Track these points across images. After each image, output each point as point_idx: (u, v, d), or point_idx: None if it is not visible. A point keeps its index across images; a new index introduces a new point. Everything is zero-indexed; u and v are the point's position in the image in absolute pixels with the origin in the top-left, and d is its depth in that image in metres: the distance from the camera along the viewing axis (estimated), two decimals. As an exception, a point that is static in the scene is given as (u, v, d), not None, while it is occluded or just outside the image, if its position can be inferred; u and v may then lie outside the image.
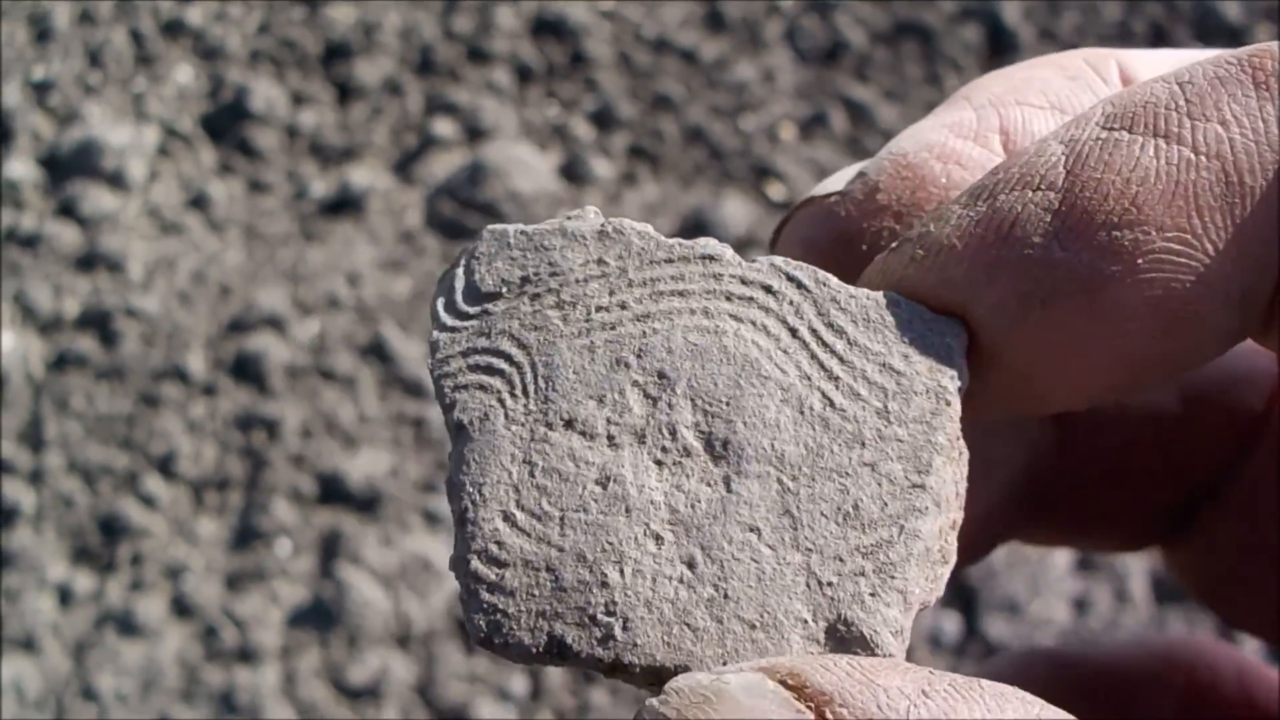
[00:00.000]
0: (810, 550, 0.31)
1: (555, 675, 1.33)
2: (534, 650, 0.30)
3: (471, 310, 0.33)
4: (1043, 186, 0.30)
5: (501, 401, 0.32)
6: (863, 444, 0.31)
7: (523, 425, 0.32)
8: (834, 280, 0.33)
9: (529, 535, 0.31)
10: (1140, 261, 0.30)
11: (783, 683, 0.27)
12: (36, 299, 1.61)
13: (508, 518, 0.31)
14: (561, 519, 0.31)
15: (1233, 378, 0.44)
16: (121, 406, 1.52)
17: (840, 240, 0.36)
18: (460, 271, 0.34)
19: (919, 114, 1.68)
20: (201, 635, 1.37)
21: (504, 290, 0.33)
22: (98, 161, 1.70)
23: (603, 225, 0.34)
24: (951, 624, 1.32)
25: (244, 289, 1.61)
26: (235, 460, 1.48)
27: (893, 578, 0.30)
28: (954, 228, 0.31)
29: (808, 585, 0.30)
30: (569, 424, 0.32)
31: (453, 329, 0.33)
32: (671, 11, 1.81)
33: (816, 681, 0.26)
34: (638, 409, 0.32)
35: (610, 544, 0.31)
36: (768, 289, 0.33)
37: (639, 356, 0.32)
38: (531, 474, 0.31)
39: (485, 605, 0.30)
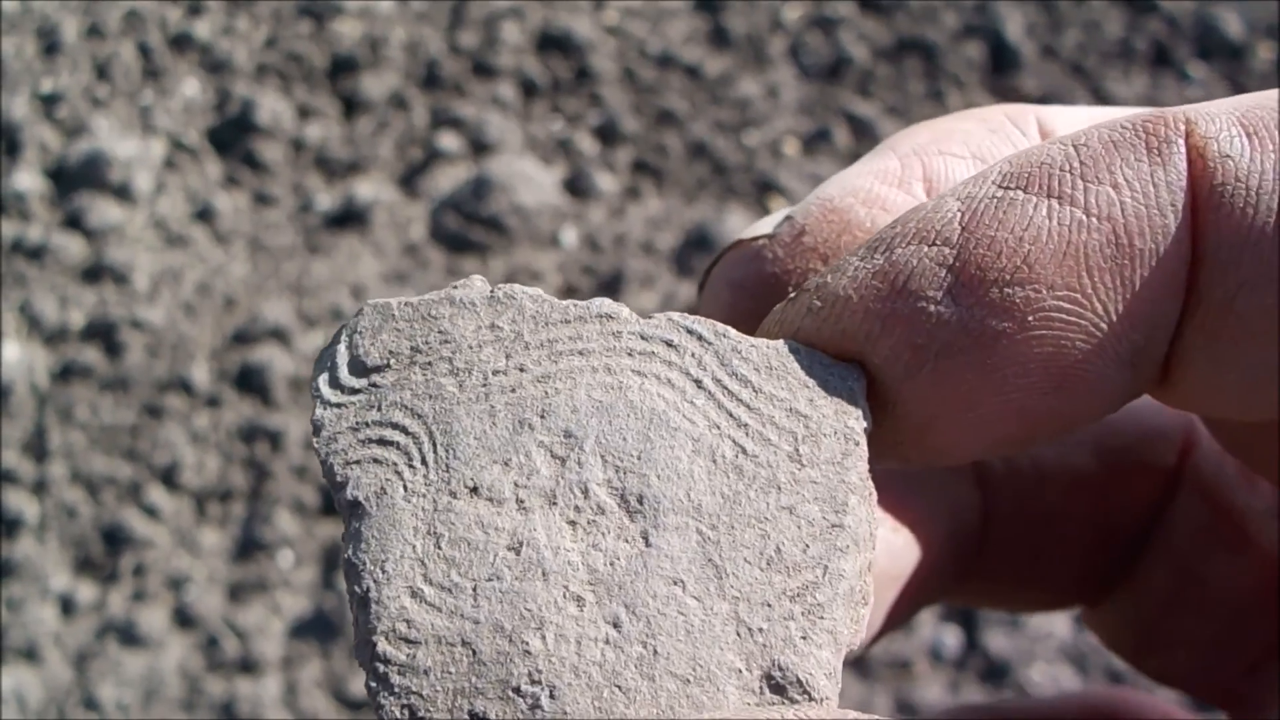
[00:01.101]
0: (737, 598, 0.30)
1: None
2: None
3: (357, 384, 0.32)
4: (938, 242, 0.31)
5: (399, 473, 0.31)
6: (778, 488, 0.31)
7: (424, 496, 0.30)
8: (733, 331, 0.33)
9: (439, 610, 0.29)
10: (1031, 319, 0.30)
11: None
12: (42, 310, 1.61)
13: (415, 594, 0.29)
14: (474, 589, 0.29)
15: (1144, 434, 0.45)
16: (125, 417, 1.53)
17: (767, 282, 0.37)
18: (342, 347, 0.32)
19: (921, 130, 1.69)
20: (203, 645, 1.38)
21: (391, 362, 0.32)
22: (104, 173, 1.70)
23: (492, 291, 0.33)
24: (952, 638, 1.32)
25: (248, 301, 1.61)
26: (238, 471, 1.48)
27: (821, 618, 0.30)
28: (850, 279, 0.32)
29: (738, 634, 0.29)
30: (474, 490, 0.30)
31: (338, 405, 0.32)
32: (676, 27, 1.82)
33: None
34: (545, 470, 0.31)
35: (529, 610, 0.29)
36: (668, 343, 0.32)
37: (543, 417, 0.31)
38: (438, 545, 0.30)
39: (396, 689, 0.29)
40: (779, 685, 0.29)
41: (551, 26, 1.82)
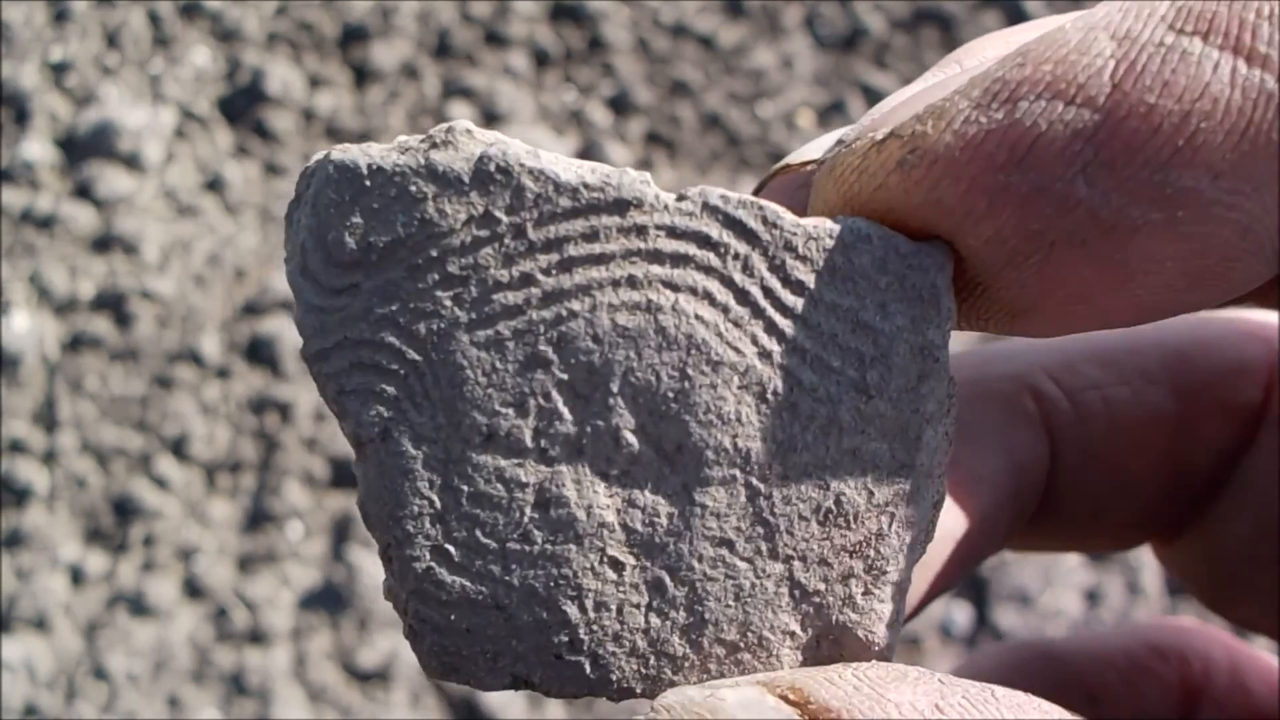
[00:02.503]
0: (791, 558, 0.27)
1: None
2: (497, 687, 0.27)
3: (337, 283, 0.27)
4: (1079, 101, 0.24)
5: (402, 413, 0.27)
6: (840, 428, 0.27)
7: (434, 442, 0.27)
8: (786, 217, 0.27)
9: (468, 572, 0.27)
10: (1182, 212, 0.24)
11: (784, 698, 0.24)
12: (52, 280, 1.61)
13: (439, 553, 0.27)
14: (502, 552, 0.27)
15: (1227, 369, 0.41)
16: (135, 388, 1.53)
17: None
18: (310, 226, 0.27)
19: (938, 102, 1.67)
20: (213, 617, 1.38)
21: (372, 256, 0.27)
22: (114, 143, 1.70)
23: (481, 160, 0.27)
24: (962, 615, 1.31)
25: (259, 272, 1.61)
26: (248, 443, 1.48)
27: (885, 572, 0.27)
28: (956, 135, 0.25)
29: (792, 596, 0.27)
30: (489, 439, 0.27)
31: (320, 310, 0.27)
32: (690, -3, 1.80)
33: (821, 696, 0.24)
34: (568, 415, 0.27)
35: (564, 576, 0.27)
36: (705, 241, 0.27)
37: (558, 349, 0.27)
38: (457, 501, 0.27)
39: (435, 647, 0.27)
40: (837, 642, 0.27)
41: (564, -4, 1.80)
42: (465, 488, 0.27)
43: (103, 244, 1.64)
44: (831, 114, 1.67)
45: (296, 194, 0.28)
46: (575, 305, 0.27)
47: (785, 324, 0.27)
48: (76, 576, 1.41)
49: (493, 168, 0.26)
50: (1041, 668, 0.45)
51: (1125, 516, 0.43)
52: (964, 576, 0.40)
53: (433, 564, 0.27)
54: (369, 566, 1.37)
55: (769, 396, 0.27)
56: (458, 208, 0.27)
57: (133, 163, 1.69)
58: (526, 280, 0.27)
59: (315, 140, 1.71)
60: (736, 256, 0.27)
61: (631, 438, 0.27)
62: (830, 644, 0.27)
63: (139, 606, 1.38)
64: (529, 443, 0.27)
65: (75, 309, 1.59)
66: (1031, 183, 0.25)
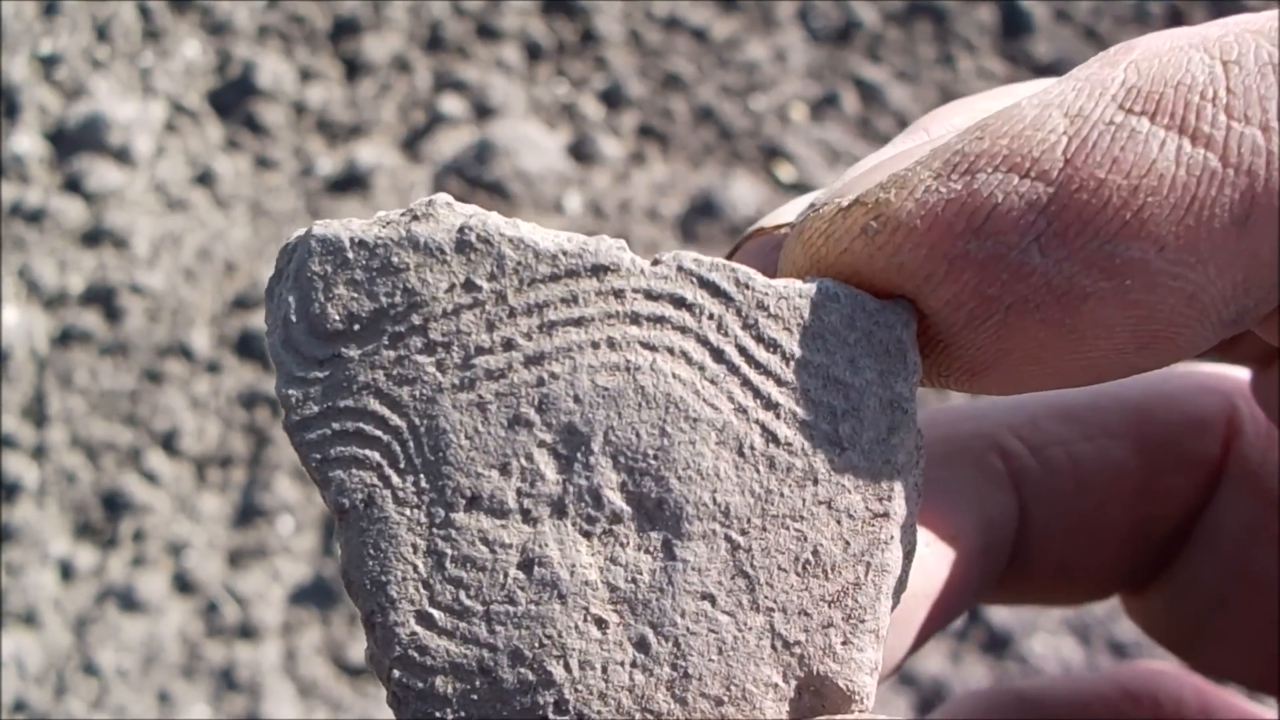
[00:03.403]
0: (772, 609, 0.27)
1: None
2: None
3: (320, 354, 0.27)
4: (1033, 174, 0.25)
5: (385, 479, 0.27)
6: (815, 480, 0.28)
7: (417, 508, 0.27)
8: (758, 278, 0.28)
9: (453, 635, 0.27)
10: (1129, 281, 0.25)
11: None
12: (41, 274, 1.60)
13: (424, 618, 0.27)
14: (486, 614, 0.27)
15: (1187, 424, 0.42)
16: (125, 383, 1.52)
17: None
18: (293, 299, 0.28)
19: (931, 95, 1.66)
20: (203, 611, 1.37)
21: (355, 326, 0.27)
22: (104, 136, 1.69)
23: (462, 231, 0.27)
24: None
25: (249, 266, 1.60)
26: (238, 437, 1.48)
27: (863, 621, 0.28)
28: (918, 203, 0.26)
29: (774, 648, 0.27)
30: (473, 501, 0.27)
31: (302, 380, 0.27)
32: (682, -10, 1.79)
33: None
34: (550, 474, 0.27)
35: (549, 636, 0.27)
36: (680, 302, 0.27)
37: (541, 411, 0.27)
38: (440, 565, 0.27)
39: (419, 714, 0.27)
40: (818, 693, 0.28)
41: (556, -12, 1.80)
42: (449, 551, 0.27)
43: (92, 238, 1.63)
44: (824, 107, 1.67)
45: (277, 269, 0.28)
46: (556, 367, 0.27)
47: (759, 380, 0.28)
48: (66, 571, 1.41)
49: (474, 237, 0.27)
50: (1017, 712, 0.45)
51: (1094, 569, 0.44)
52: (943, 627, 0.41)
53: (417, 629, 0.27)
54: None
55: (746, 451, 0.27)
56: (440, 276, 0.27)
57: (123, 156, 1.69)
58: (508, 344, 0.27)
59: (306, 134, 1.70)
60: (711, 316, 0.28)
61: (613, 495, 0.27)
62: (812, 695, 0.28)
63: (129, 601, 1.37)
64: (512, 504, 0.27)
65: (65, 303, 1.59)
66: (988, 250, 0.26)
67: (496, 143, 1.64)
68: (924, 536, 0.38)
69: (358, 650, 1.33)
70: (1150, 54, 0.26)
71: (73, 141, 1.70)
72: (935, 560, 0.37)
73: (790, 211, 0.32)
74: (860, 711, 0.28)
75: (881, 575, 0.28)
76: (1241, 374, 0.42)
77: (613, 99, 1.70)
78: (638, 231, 1.56)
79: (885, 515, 0.28)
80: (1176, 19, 1.70)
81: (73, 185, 1.67)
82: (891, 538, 0.28)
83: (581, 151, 1.65)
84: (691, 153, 1.65)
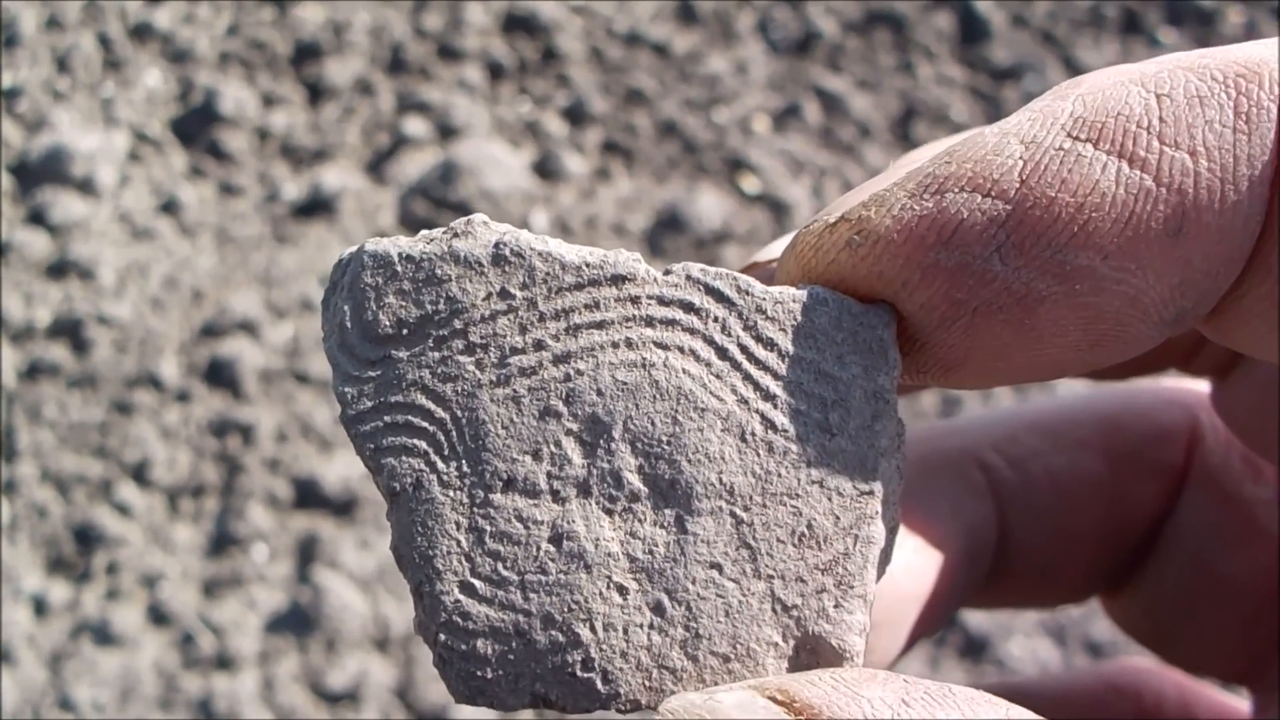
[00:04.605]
0: (772, 577, 0.31)
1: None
2: (519, 706, 0.31)
3: (372, 355, 0.31)
4: (994, 194, 0.29)
5: (431, 465, 0.31)
6: (809, 463, 0.31)
7: (460, 489, 0.31)
8: (756, 286, 0.32)
9: (492, 603, 0.30)
10: (1079, 285, 0.29)
11: (773, 699, 0.28)
12: (7, 308, 1.59)
13: (466, 588, 0.30)
14: (521, 583, 0.30)
15: (1153, 434, 0.45)
16: (94, 414, 1.51)
17: None
18: (348, 307, 0.31)
19: (892, 103, 1.67)
20: (179, 643, 1.37)
21: (404, 331, 0.31)
22: (67, 168, 1.68)
23: (498, 246, 0.31)
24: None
25: (217, 293, 1.60)
26: (210, 466, 1.47)
27: (852, 587, 0.31)
28: (894, 220, 0.30)
29: (774, 610, 0.31)
30: (509, 484, 0.31)
31: (357, 379, 0.31)
32: (643, 5, 1.80)
33: (805, 696, 0.27)
34: (577, 459, 0.31)
35: (576, 602, 0.30)
36: (689, 307, 0.31)
37: (568, 403, 0.31)
38: (480, 541, 0.31)
39: (462, 673, 0.30)
40: (814, 652, 0.31)
41: (517, 7, 1.80)
42: (488, 527, 0.31)
43: (58, 270, 1.63)
44: (787, 118, 1.68)
45: (331, 281, 0.32)
46: (581, 365, 0.31)
47: (759, 375, 0.31)
48: (40, 607, 1.40)
49: (508, 251, 0.31)
50: None
51: (1071, 573, 0.47)
52: (932, 632, 0.44)
53: (460, 597, 0.30)
54: (335, 587, 1.37)
55: (747, 437, 0.31)
56: (478, 286, 0.31)
57: (86, 187, 1.68)
58: (539, 345, 0.31)
59: (270, 159, 1.70)
60: (716, 319, 0.31)
61: (632, 477, 0.31)
62: (808, 653, 0.31)
63: (104, 635, 1.37)
64: (543, 485, 0.31)
65: (32, 336, 1.58)
66: (956, 260, 0.30)
67: (461, 163, 1.64)
68: (913, 543, 0.41)
69: (337, 677, 1.33)
70: (1094, 89, 0.30)
71: (35, 174, 1.69)
72: (924, 565, 0.40)
73: (779, 248, 0.36)
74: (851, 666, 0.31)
75: (868, 546, 0.31)
76: (1202, 387, 0.46)
77: (576, 116, 1.71)
78: (605, 247, 1.56)
79: (870, 493, 0.31)
80: (1131, 21, 1.72)
81: (36, 218, 1.66)
82: (876, 513, 0.31)
83: (546, 169, 1.66)
84: (656, 167, 1.66)
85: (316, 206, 1.65)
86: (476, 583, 0.30)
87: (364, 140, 1.71)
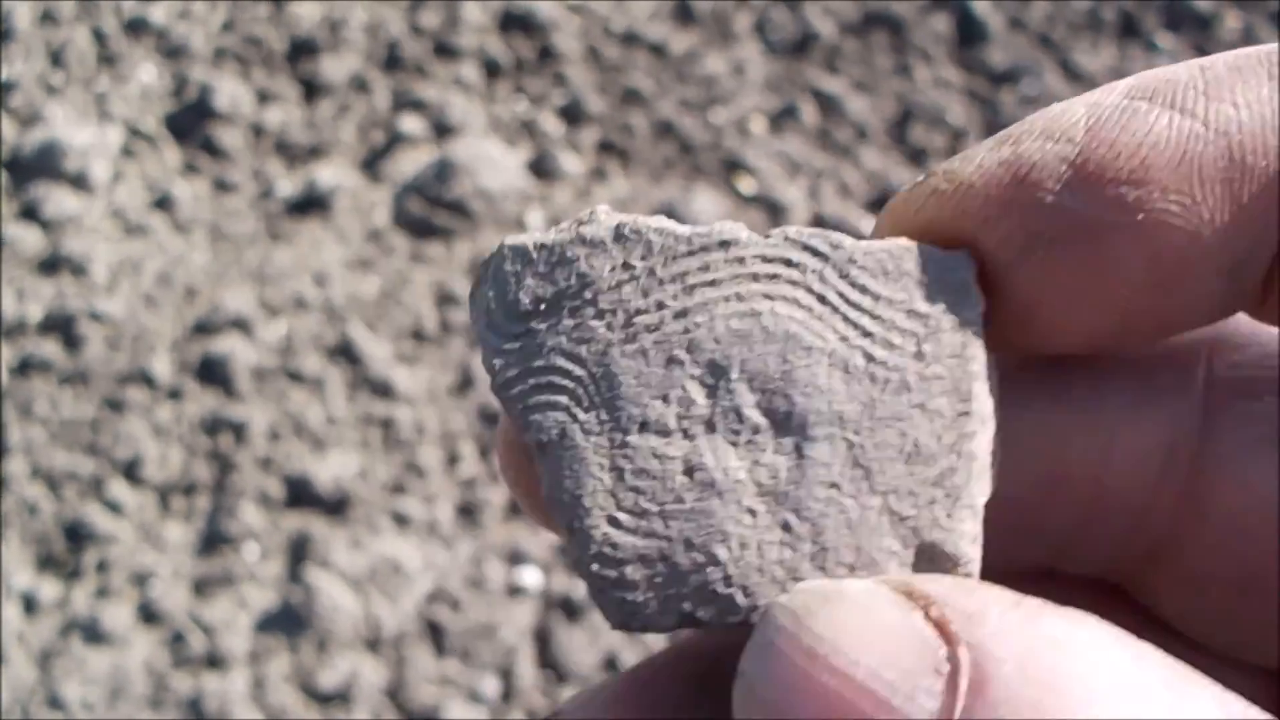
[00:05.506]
0: (887, 492, 0.34)
1: (526, 677, 1.32)
2: (669, 626, 0.34)
3: (516, 330, 0.35)
4: (1062, 140, 0.33)
5: (574, 416, 0.34)
6: (909, 388, 0.34)
7: (600, 435, 0.34)
8: (847, 240, 0.35)
9: (636, 533, 0.34)
10: (1141, 217, 0.33)
11: (895, 590, 0.30)
12: (-1, 303, 1.59)
13: (613, 521, 0.34)
14: (661, 513, 0.34)
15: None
16: (86, 411, 1.51)
17: None
18: (492, 293, 0.36)
19: (889, 104, 1.67)
20: (169, 642, 1.36)
21: (541, 307, 0.35)
22: (60, 163, 1.68)
23: (619, 228, 0.35)
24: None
25: (210, 290, 1.59)
26: (202, 464, 1.46)
27: (960, 498, 0.34)
28: (976, 166, 0.34)
29: (891, 521, 0.33)
30: (643, 426, 0.34)
31: (504, 351, 0.35)
32: (640, 5, 1.79)
33: (925, 589, 0.30)
34: (701, 400, 0.34)
35: (711, 525, 0.33)
36: (789, 262, 0.34)
37: (689, 351, 0.34)
38: (622, 478, 0.34)
39: (614, 600, 0.34)
40: (932, 558, 0.34)
41: (514, 5, 1.79)
42: (628, 466, 0.34)
43: (50, 265, 1.62)
44: (784, 119, 1.68)
45: (478, 277, 0.36)
46: (698, 318, 0.34)
47: (856, 316, 0.34)
48: (29, 605, 1.39)
49: (627, 230, 0.35)
50: None
51: (1101, 553, 0.46)
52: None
53: (608, 530, 0.34)
54: (326, 587, 1.36)
55: (851, 369, 0.34)
56: (604, 261, 0.35)
57: (79, 182, 1.67)
58: (660, 305, 0.34)
59: (265, 156, 1.69)
60: (814, 271, 0.34)
61: (751, 412, 0.34)
62: (926, 561, 0.34)
63: (94, 633, 1.36)
64: (673, 425, 0.34)
65: (24, 332, 1.57)
66: (1030, 194, 0.33)
67: (457, 161, 1.63)
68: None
69: (328, 676, 1.32)
70: (1143, 74, 0.35)
71: (28, 169, 1.69)
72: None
73: None
74: (965, 574, 0.34)
75: (970, 461, 0.34)
76: None
77: (572, 115, 1.70)
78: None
79: (968, 414, 0.34)
80: (1129, 25, 1.71)
81: (29, 213, 1.66)
82: (974, 431, 0.34)
83: (542, 168, 1.65)
84: (652, 167, 1.65)
85: (311, 204, 1.64)
86: (621, 515, 0.34)
87: (359, 138, 1.70)
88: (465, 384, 1.49)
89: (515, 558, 1.37)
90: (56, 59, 1.79)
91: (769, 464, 0.34)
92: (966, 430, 0.34)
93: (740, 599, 0.33)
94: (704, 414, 0.34)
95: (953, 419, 0.34)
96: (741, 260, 0.35)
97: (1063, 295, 0.34)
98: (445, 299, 1.55)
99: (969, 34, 1.72)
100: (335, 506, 1.42)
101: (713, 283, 0.34)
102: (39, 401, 1.52)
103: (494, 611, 1.34)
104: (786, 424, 0.34)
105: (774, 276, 0.34)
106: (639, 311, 0.35)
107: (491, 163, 1.64)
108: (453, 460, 1.44)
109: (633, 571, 0.33)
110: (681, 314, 0.34)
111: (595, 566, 0.34)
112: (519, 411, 0.35)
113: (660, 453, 0.34)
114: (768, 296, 0.34)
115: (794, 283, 0.34)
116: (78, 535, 1.42)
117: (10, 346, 1.57)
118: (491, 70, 1.75)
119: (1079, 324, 0.35)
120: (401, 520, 1.41)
